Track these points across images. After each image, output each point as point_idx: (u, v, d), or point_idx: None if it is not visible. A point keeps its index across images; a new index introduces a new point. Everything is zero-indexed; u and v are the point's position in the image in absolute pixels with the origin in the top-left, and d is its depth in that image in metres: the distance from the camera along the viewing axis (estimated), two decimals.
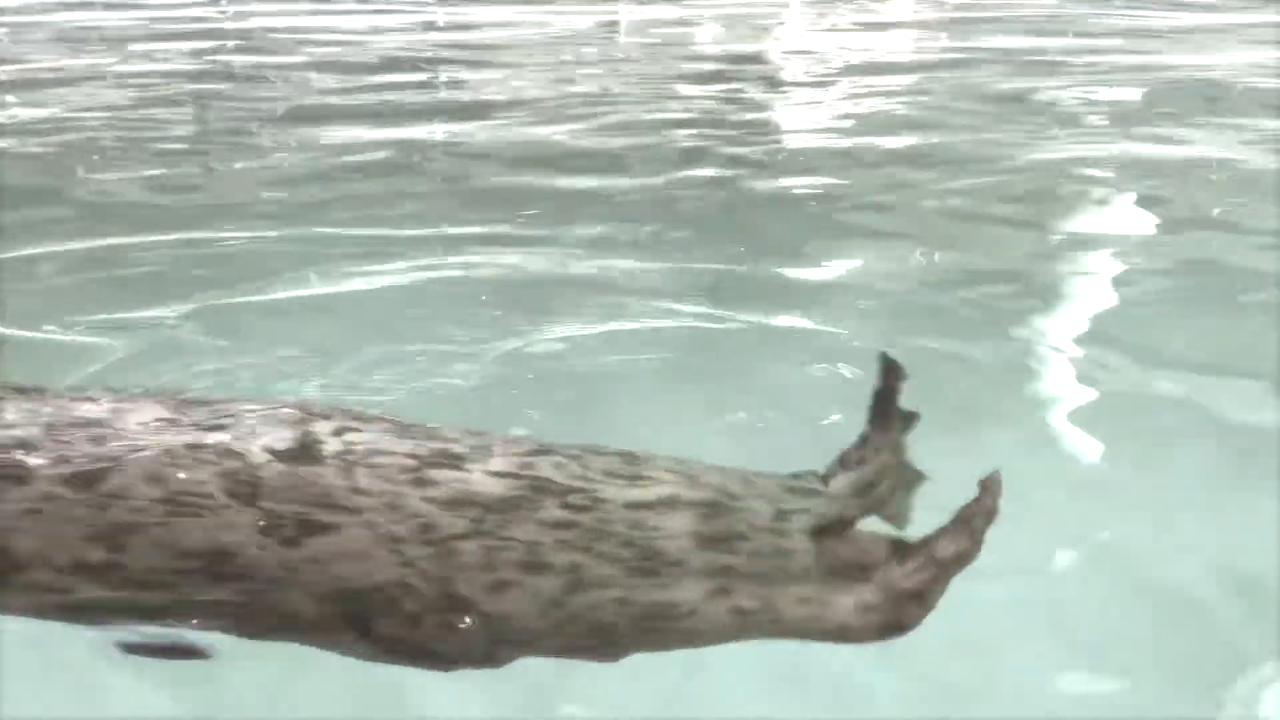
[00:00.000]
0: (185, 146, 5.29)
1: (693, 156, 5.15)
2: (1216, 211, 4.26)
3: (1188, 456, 2.45)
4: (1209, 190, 4.57)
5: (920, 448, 1.72)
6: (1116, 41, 8.80)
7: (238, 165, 4.89)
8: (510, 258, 3.65)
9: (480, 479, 1.36)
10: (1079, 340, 3.08)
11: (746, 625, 1.41)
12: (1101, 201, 4.44)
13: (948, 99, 6.53)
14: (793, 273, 3.58)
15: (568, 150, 5.25)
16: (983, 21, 9.92)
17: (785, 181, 4.75)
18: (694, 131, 5.65)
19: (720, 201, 4.48)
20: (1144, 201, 4.42)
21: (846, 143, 5.41)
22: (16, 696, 1.65)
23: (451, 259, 3.62)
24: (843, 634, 1.47)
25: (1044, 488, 2.18)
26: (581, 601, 1.33)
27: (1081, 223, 4.21)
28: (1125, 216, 4.26)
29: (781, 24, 9.26)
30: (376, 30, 9.62)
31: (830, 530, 1.51)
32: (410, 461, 1.35)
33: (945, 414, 2.16)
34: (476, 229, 3.95)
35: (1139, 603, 1.95)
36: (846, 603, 1.45)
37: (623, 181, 4.67)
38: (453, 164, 5.14)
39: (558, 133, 5.58)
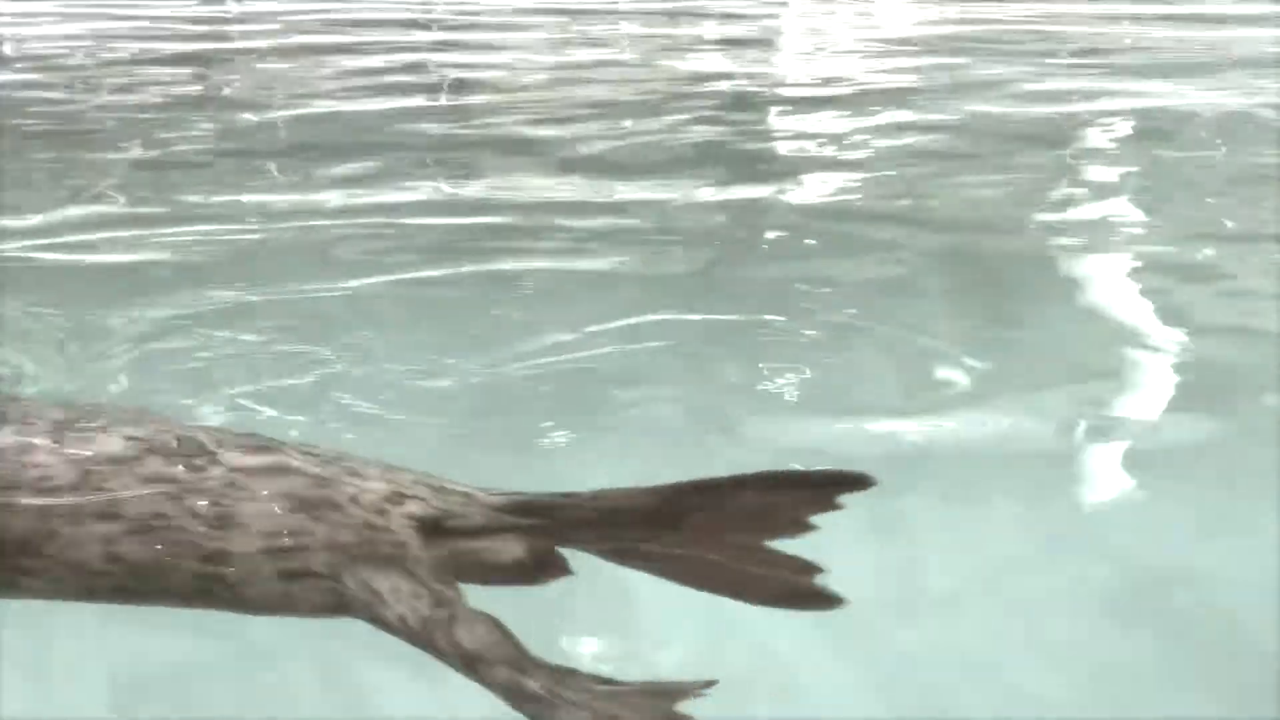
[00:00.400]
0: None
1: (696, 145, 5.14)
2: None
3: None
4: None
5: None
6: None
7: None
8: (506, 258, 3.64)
9: (110, 439, 1.43)
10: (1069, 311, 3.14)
11: (301, 590, 1.41)
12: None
13: (943, 78, 6.52)
14: (795, 263, 3.59)
15: (565, 123, 5.25)
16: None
17: (789, 169, 4.75)
18: (695, 114, 5.64)
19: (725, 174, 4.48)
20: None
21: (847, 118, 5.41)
22: (17, 696, 1.67)
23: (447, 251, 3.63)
24: (387, 625, 1.41)
25: None
26: (149, 550, 1.38)
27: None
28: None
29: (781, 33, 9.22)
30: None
31: (450, 530, 1.46)
32: (58, 418, 1.45)
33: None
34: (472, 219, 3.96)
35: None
36: (407, 599, 1.39)
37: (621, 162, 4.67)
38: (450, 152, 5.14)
39: (557, 115, 5.58)
